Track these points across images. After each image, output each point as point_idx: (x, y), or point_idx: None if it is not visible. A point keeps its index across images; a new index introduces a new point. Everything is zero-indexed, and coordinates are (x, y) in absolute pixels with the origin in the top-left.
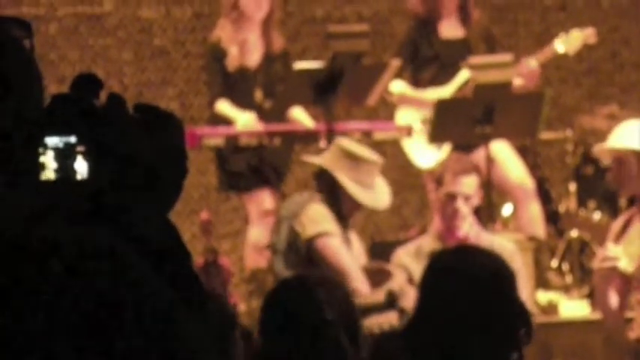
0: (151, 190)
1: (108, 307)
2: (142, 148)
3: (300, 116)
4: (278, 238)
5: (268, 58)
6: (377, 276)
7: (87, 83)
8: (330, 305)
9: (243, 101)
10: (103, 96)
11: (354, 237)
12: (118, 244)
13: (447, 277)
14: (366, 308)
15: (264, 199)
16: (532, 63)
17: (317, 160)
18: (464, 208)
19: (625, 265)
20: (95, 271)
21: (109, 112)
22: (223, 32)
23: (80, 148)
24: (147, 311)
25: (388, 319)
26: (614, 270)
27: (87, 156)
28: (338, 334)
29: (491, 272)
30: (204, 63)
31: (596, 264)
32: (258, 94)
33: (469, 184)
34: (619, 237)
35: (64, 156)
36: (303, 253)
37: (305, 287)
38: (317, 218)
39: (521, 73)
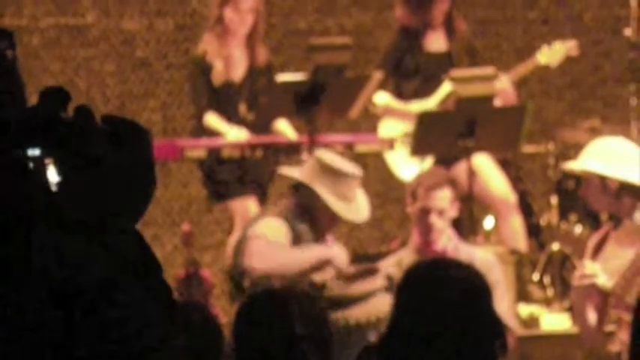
0: (118, 201)
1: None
2: (109, 160)
3: (285, 128)
4: (233, 263)
5: (252, 72)
6: (365, 275)
7: (54, 96)
8: (300, 319)
9: (228, 115)
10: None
11: (336, 248)
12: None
13: (420, 291)
14: (366, 295)
15: (249, 206)
16: (503, 82)
17: (295, 173)
18: (439, 223)
19: (603, 281)
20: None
21: (76, 124)
22: (209, 46)
23: (48, 160)
24: (120, 324)
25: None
26: (592, 287)
27: (55, 167)
28: (308, 348)
29: (465, 285)
30: (190, 76)
31: (574, 281)
32: (243, 108)
33: (442, 198)
34: (596, 253)
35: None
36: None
37: (276, 301)
38: (264, 229)
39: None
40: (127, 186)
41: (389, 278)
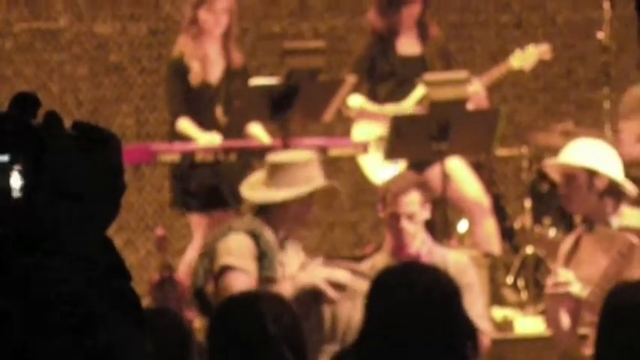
0: (87, 208)
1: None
2: (78, 167)
3: (258, 132)
4: (197, 275)
5: (229, 73)
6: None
7: (24, 102)
8: (274, 321)
9: (204, 117)
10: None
11: (294, 251)
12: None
13: (391, 294)
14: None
15: (212, 224)
16: (475, 87)
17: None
18: (409, 227)
19: (577, 290)
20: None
21: (45, 130)
22: (185, 48)
23: (16, 167)
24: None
25: None
26: (567, 295)
27: (22, 174)
28: (281, 349)
29: (435, 288)
30: (165, 80)
31: (548, 289)
32: (219, 111)
33: (410, 202)
34: (570, 257)
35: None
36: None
37: (250, 303)
38: (231, 249)
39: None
40: (95, 192)
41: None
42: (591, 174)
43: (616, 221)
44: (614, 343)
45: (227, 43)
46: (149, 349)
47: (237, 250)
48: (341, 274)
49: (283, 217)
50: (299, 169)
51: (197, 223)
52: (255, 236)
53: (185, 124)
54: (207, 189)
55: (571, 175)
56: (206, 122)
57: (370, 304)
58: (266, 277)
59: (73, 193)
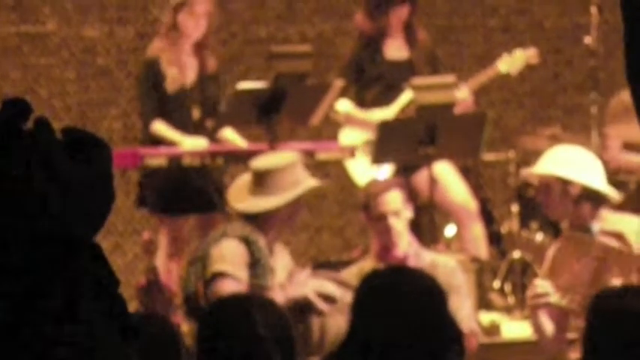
0: (76, 216)
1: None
2: (68, 173)
3: (231, 136)
4: (188, 279)
5: (202, 77)
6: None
7: (15, 107)
8: (263, 321)
9: (181, 122)
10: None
11: (281, 255)
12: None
13: (377, 298)
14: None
15: (180, 227)
16: (462, 93)
17: (245, 207)
18: (397, 224)
19: (556, 300)
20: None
21: (35, 136)
22: (161, 53)
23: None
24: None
25: None
26: (547, 305)
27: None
28: (271, 350)
29: (422, 292)
30: (138, 82)
31: (528, 301)
32: (196, 113)
33: (393, 200)
34: (552, 264)
35: None
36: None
37: (239, 304)
38: (224, 256)
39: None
40: (85, 199)
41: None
42: (565, 182)
43: (597, 226)
44: (601, 348)
45: (202, 48)
46: (134, 356)
47: (230, 256)
48: (331, 288)
49: (273, 222)
50: (285, 174)
51: (165, 226)
52: (249, 243)
53: (161, 127)
54: (196, 191)
55: (546, 182)
56: (183, 126)
57: (357, 308)
58: (258, 285)
59: (62, 197)
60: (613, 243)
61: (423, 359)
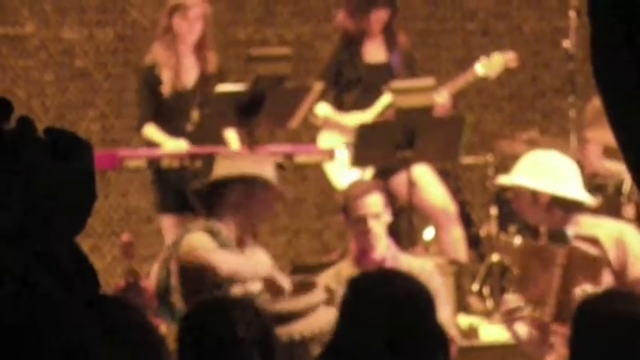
0: (58, 214)
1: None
2: (51, 173)
3: (230, 138)
4: (161, 280)
5: (204, 78)
6: (303, 289)
7: None
8: (243, 323)
9: (178, 125)
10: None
11: (259, 254)
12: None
13: (365, 301)
14: (308, 309)
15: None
16: (441, 98)
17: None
18: (377, 227)
19: (528, 312)
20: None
21: (17, 136)
22: (158, 57)
23: None
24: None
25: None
26: (521, 319)
27: None
28: (250, 351)
29: (410, 296)
30: (136, 87)
31: (502, 317)
32: (195, 115)
33: (374, 203)
34: (523, 273)
35: None
36: (188, 282)
37: (219, 306)
38: (195, 245)
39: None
40: (68, 199)
41: (328, 291)
42: (534, 190)
43: (572, 231)
44: (588, 354)
45: (202, 49)
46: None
47: (202, 243)
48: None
49: (225, 214)
50: (237, 160)
51: (170, 225)
52: (213, 233)
53: (151, 130)
54: (180, 193)
55: (517, 191)
56: (180, 130)
57: (344, 310)
58: None
59: (44, 199)
60: (590, 249)
61: None
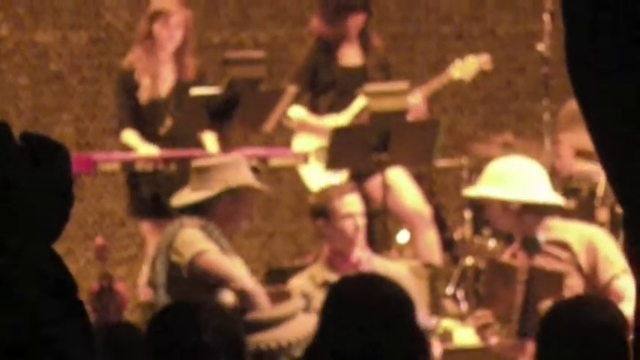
0: (35, 220)
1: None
2: (27, 178)
3: (207, 141)
4: (156, 272)
5: (180, 86)
6: (277, 298)
7: None
8: (211, 329)
9: (151, 130)
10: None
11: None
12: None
13: (346, 305)
14: (286, 317)
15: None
16: (414, 100)
17: (188, 198)
18: (354, 228)
19: (498, 328)
20: None
21: None
22: (137, 62)
23: None
24: (39, 340)
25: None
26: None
27: None
28: (218, 358)
29: (391, 300)
30: (114, 91)
31: (475, 331)
32: (169, 123)
33: (353, 202)
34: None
35: None
36: (186, 279)
37: (185, 311)
38: (190, 241)
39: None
40: (45, 205)
41: (305, 296)
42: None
43: (543, 236)
44: None
45: (181, 57)
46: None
47: (199, 239)
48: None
49: (210, 220)
50: (218, 171)
51: (148, 230)
52: (208, 231)
53: (128, 136)
54: (155, 197)
55: (486, 201)
56: (155, 137)
57: (325, 314)
58: None
59: (22, 205)
60: (562, 254)
61: None
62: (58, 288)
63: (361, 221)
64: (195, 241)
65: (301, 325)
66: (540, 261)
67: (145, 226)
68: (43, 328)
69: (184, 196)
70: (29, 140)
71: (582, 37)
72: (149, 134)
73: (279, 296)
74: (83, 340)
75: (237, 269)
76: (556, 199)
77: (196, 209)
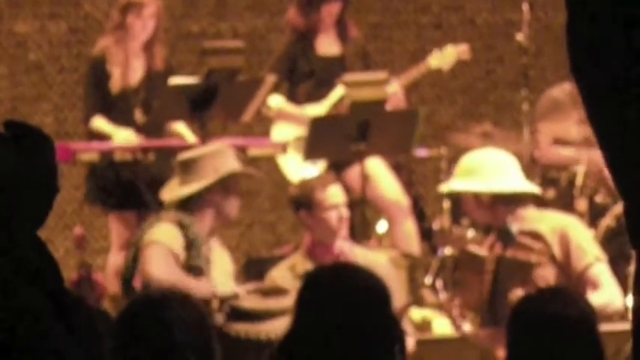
0: (20, 207)
1: None
2: (11, 166)
3: (182, 130)
4: (126, 266)
5: (150, 76)
6: (273, 294)
7: None
8: (181, 326)
9: (123, 120)
10: None
11: (218, 250)
12: None
13: (322, 294)
14: (280, 311)
15: (128, 224)
16: (392, 88)
17: (179, 193)
18: (336, 220)
19: (468, 328)
20: None
21: None
22: (107, 51)
23: None
24: (22, 327)
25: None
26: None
27: None
28: (188, 355)
29: (366, 290)
30: (84, 78)
31: (450, 321)
32: (138, 113)
33: (336, 194)
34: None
35: None
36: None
37: (154, 307)
38: (160, 233)
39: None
40: (30, 193)
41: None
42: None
43: (516, 226)
44: (523, 355)
45: (151, 47)
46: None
47: (165, 234)
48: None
49: (202, 210)
50: (206, 161)
51: (114, 221)
52: (184, 227)
53: (99, 122)
54: (125, 188)
55: (461, 195)
56: (126, 125)
57: (301, 304)
58: (194, 266)
59: (7, 192)
60: (535, 244)
61: (368, 357)
62: (42, 277)
63: (345, 212)
64: (160, 234)
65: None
66: (514, 252)
67: (110, 217)
68: (28, 319)
69: (175, 190)
70: (13, 129)
71: (584, 24)
72: (121, 124)
73: (274, 292)
74: (67, 329)
75: (170, 273)
76: (528, 187)
77: (186, 203)
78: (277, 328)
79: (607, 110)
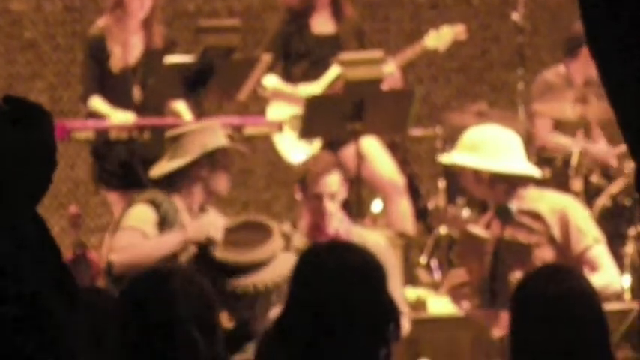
0: (21, 183)
1: None
2: (10, 141)
3: (181, 109)
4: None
5: (148, 54)
6: (256, 231)
7: None
8: (183, 299)
9: (122, 99)
10: None
11: (216, 214)
12: None
13: (316, 272)
14: (268, 258)
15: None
16: (389, 68)
17: (166, 168)
18: (331, 207)
19: (466, 306)
20: None
21: None
22: (107, 30)
23: None
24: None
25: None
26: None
27: None
28: (191, 329)
29: (361, 267)
30: (82, 57)
31: (449, 292)
32: (137, 91)
33: (332, 183)
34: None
35: None
36: None
37: (157, 281)
38: (131, 216)
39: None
40: (29, 167)
41: (284, 236)
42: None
43: (516, 205)
44: (526, 335)
45: (149, 25)
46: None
47: (136, 216)
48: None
49: (189, 186)
50: (193, 137)
51: (115, 201)
52: (156, 205)
53: (97, 102)
54: (124, 167)
55: (460, 168)
56: (124, 104)
57: (295, 282)
58: None
59: (6, 167)
60: (534, 225)
61: (362, 335)
62: (40, 252)
63: (335, 202)
64: (132, 216)
65: (279, 267)
66: (512, 232)
67: (112, 197)
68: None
69: (162, 167)
70: (13, 103)
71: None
72: (120, 102)
73: (259, 229)
74: (67, 304)
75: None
76: (529, 169)
77: (173, 179)
78: (267, 278)
79: (620, 67)
